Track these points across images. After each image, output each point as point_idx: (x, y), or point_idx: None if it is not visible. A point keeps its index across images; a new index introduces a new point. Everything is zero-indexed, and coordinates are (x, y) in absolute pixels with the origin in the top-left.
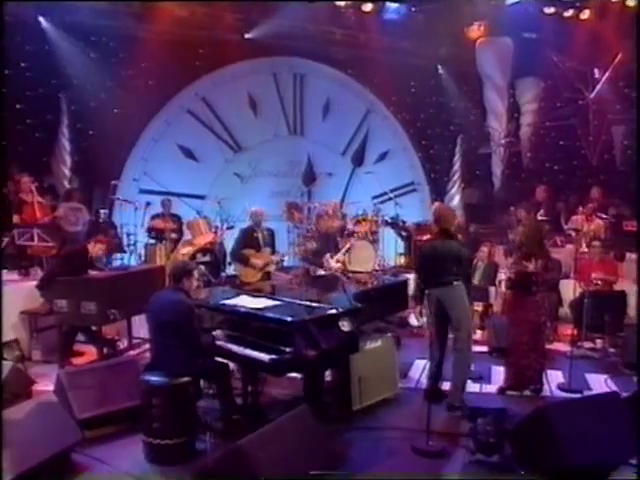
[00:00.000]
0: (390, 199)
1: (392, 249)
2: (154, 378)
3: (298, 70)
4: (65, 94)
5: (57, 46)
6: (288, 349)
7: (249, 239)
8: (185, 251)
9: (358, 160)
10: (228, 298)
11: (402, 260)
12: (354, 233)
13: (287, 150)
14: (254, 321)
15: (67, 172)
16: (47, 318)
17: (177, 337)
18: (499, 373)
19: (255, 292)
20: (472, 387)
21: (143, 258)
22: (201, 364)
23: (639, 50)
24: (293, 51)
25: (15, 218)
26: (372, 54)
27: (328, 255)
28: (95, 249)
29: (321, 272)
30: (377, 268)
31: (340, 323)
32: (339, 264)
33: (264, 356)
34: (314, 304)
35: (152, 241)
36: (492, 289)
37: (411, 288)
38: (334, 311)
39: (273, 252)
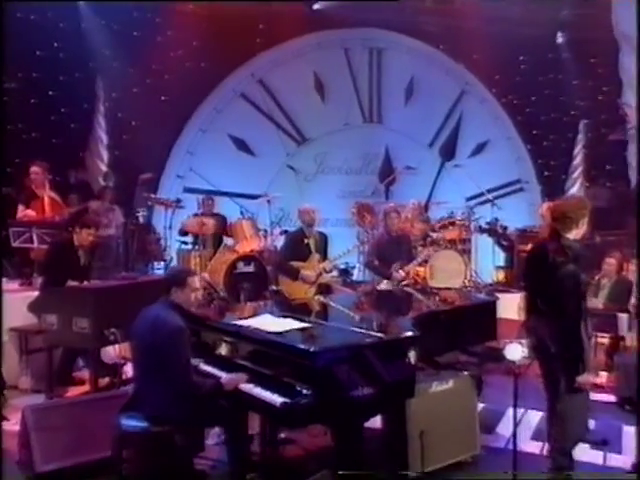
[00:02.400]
0: (489, 201)
1: (489, 262)
2: (128, 422)
3: (375, 44)
4: (104, 79)
5: (95, 24)
6: (306, 390)
7: (297, 246)
8: (224, 259)
9: (448, 153)
10: (245, 317)
11: (501, 275)
12: (434, 241)
13: (361, 141)
14: (269, 349)
15: (103, 168)
16: (40, 337)
17: (161, 369)
18: (634, 437)
19: (296, 311)
20: (591, 456)
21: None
22: (198, 406)
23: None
24: (369, 22)
25: (23, 214)
26: (470, 24)
27: (397, 264)
28: (82, 237)
29: (384, 286)
30: (467, 284)
31: (410, 354)
32: (411, 276)
33: (276, 398)
34: (358, 329)
35: (188, 246)
36: (623, 316)
37: (511, 311)
38: (376, 339)
39: (324, 259)
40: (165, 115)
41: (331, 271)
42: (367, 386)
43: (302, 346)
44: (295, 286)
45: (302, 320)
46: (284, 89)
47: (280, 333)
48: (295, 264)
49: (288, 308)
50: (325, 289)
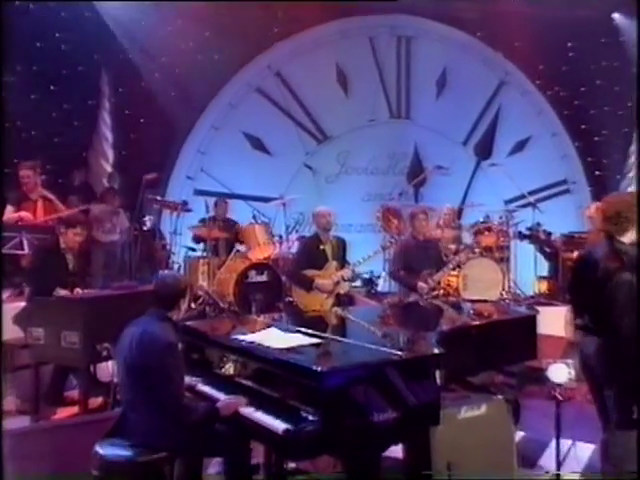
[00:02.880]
0: (531, 204)
1: (530, 271)
2: (111, 451)
3: (403, 32)
4: (109, 72)
5: (99, 13)
6: (312, 416)
7: (312, 253)
8: (234, 267)
9: (485, 151)
10: (251, 332)
11: (544, 287)
12: (468, 247)
13: (388, 139)
14: (272, 368)
15: (108, 168)
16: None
17: (149, 390)
18: None
19: (310, 325)
20: None
21: None
22: (192, 432)
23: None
24: (396, 7)
25: (17, 215)
26: (511, 6)
27: (425, 273)
28: (68, 238)
29: (412, 298)
30: (505, 297)
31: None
32: (442, 287)
33: (278, 425)
34: (375, 346)
35: (195, 254)
36: None
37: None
38: (394, 357)
39: (343, 266)
40: (175, 111)
41: (352, 280)
42: (382, 412)
43: (308, 365)
44: (310, 297)
45: (313, 335)
46: (304, 82)
47: (285, 349)
48: (310, 273)
49: (302, 321)
50: (347, 301)
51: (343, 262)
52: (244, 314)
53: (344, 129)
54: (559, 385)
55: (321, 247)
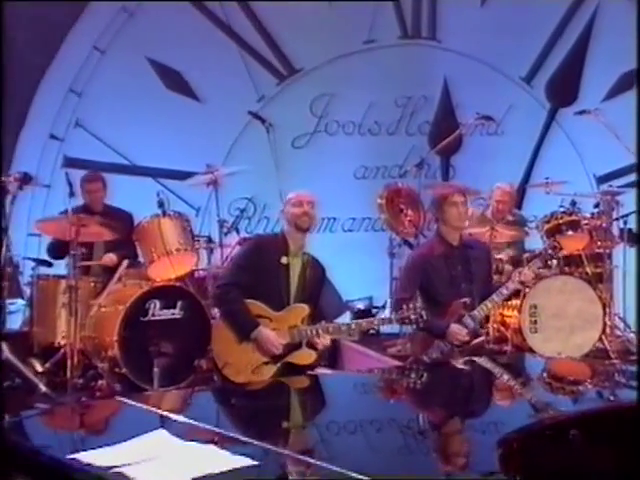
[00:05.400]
0: None
1: None
2: None
3: None
4: None
5: None
6: None
7: (266, 266)
8: (121, 294)
9: (565, 92)
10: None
11: None
12: (538, 257)
13: (398, 74)
14: None
15: None
16: None
17: None
18: None
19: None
20: None
21: (28, 311)
22: None
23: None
24: None
25: None
26: None
27: (460, 304)
28: None
29: (437, 353)
30: (608, 345)
31: None
32: (491, 328)
33: None
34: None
35: (50, 270)
36: None
37: None
38: None
39: (314, 308)
40: (29, 19)
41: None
42: None
43: None
44: (238, 351)
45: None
46: None
47: None
48: (256, 307)
49: (229, 405)
50: (328, 353)
51: (315, 302)
52: (140, 383)
53: (323, 57)
54: None
55: (283, 260)
